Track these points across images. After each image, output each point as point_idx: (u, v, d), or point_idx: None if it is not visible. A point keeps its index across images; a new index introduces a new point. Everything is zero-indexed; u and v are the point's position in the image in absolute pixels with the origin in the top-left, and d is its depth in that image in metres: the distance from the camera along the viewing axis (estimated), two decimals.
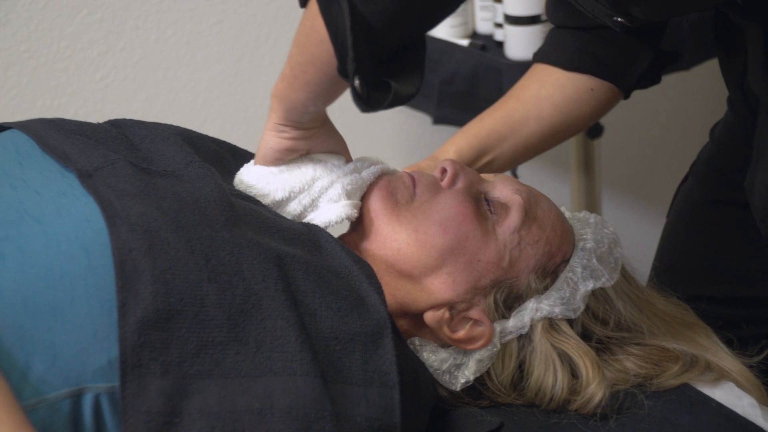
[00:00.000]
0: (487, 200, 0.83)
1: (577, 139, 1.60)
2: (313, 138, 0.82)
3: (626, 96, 1.00)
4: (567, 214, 0.87)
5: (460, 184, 0.83)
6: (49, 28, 1.58)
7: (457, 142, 0.96)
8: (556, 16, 1.00)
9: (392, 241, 0.79)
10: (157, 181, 0.72)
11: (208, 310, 0.64)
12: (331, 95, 0.77)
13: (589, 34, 0.96)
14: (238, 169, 0.84)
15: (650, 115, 1.96)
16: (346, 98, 0.71)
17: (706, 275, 1.02)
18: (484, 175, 0.88)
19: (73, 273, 0.64)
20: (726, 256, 1.01)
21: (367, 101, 0.69)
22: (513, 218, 0.81)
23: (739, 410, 0.75)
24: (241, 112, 1.82)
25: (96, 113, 1.65)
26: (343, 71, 0.69)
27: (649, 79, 0.99)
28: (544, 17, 1.40)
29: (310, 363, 0.65)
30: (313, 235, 0.77)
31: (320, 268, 0.73)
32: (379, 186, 0.82)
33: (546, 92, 0.96)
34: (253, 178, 0.82)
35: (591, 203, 1.59)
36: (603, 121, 1.65)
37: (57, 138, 0.74)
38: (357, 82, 0.67)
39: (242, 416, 0.62)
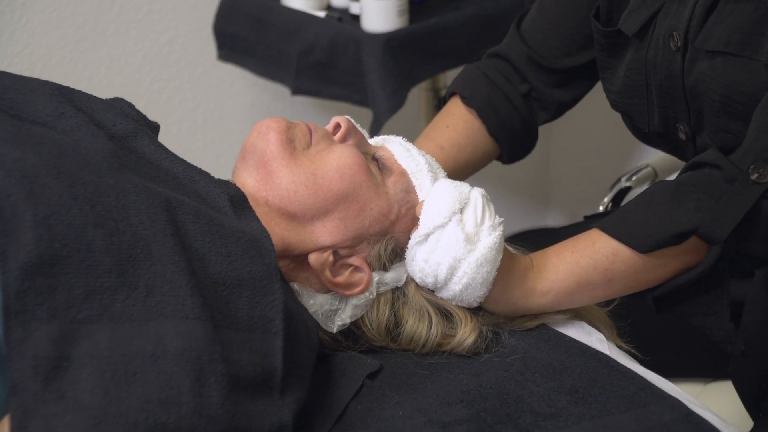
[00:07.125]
0: (375, 159, 0.87)
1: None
2: None
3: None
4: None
5: (350, 141, 0.87)
6: None
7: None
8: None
9: (289, 182, 0.81)
10: (30, 128, 0.69)
11: (95, 256, 0.63)
12: None
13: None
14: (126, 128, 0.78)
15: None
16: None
17: None
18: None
19: None
20: None
21: None
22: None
23: (588, 344, 0.84)
24: (84, 81, 1.75)
25: None
26: None
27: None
28: None
29: (201, 307, 0.65)
30: (198, 184, 0.77)
31: (210, 211, 0.73)
32: (277, 130, 0.83)
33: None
34: None
35: None
36: None
37: None
38: None
39: (134, 359, 0.61)
